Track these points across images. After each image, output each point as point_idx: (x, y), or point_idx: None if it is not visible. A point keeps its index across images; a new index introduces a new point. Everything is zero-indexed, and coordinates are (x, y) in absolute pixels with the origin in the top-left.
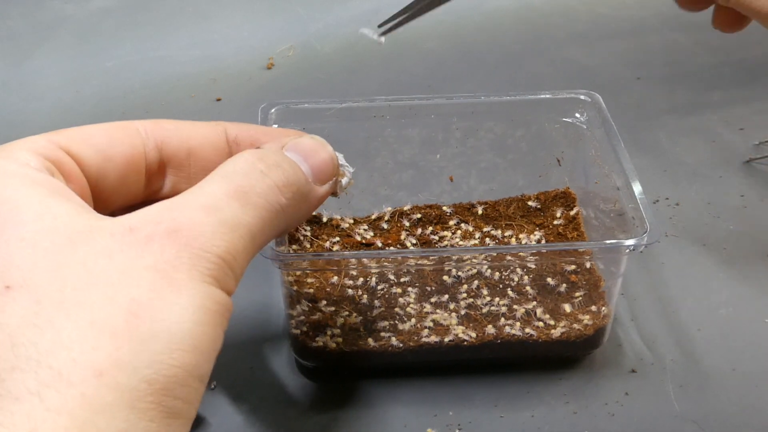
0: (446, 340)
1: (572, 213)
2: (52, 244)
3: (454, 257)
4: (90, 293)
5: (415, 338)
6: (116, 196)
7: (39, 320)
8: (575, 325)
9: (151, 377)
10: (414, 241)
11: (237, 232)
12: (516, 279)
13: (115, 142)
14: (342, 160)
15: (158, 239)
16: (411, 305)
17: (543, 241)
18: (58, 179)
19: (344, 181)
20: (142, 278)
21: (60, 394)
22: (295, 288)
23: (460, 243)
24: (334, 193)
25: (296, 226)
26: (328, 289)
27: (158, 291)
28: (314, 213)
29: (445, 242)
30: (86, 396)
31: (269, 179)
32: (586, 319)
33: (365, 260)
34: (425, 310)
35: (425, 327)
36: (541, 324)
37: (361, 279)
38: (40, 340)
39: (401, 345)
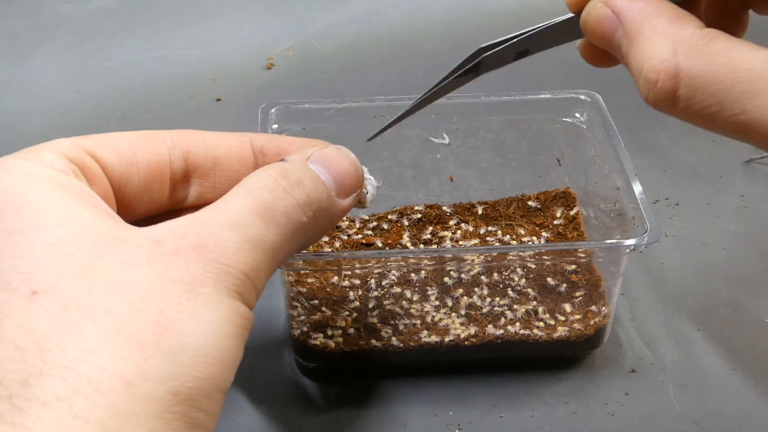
0: (446, 340)
1: (572, 213)
2: (78, 250)
3: (455, 257)
4: (117, 302)
5: (415, 338)
6: (140, 202)
7: (66, 326)
8: (575, 325)
9: (177, 389)
10: (414, 241)
11: (260, 248)
12: (516, 279)
13: (139, 148)
14: (366, 173)
15: (184, 253)
16: (411, 305)
17: (543, 241)
18: (82, 182)
19: (370, 192)
20: (170, 291)
21: (89, 402)
22: (295, 288)
23: (461, 243)
24: (361, 205)
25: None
26: (328, 289)
27: (185, 304)
28: None
29: (446, 242)
30: (114, 405)
31: (291, 197)
32: (586, 318)
33: (365, 260)
34: (425, 310)
35: (425, 327)
36: (541, 324)
37: (361, 279)
38: (68, 347)
39: (401, 345)
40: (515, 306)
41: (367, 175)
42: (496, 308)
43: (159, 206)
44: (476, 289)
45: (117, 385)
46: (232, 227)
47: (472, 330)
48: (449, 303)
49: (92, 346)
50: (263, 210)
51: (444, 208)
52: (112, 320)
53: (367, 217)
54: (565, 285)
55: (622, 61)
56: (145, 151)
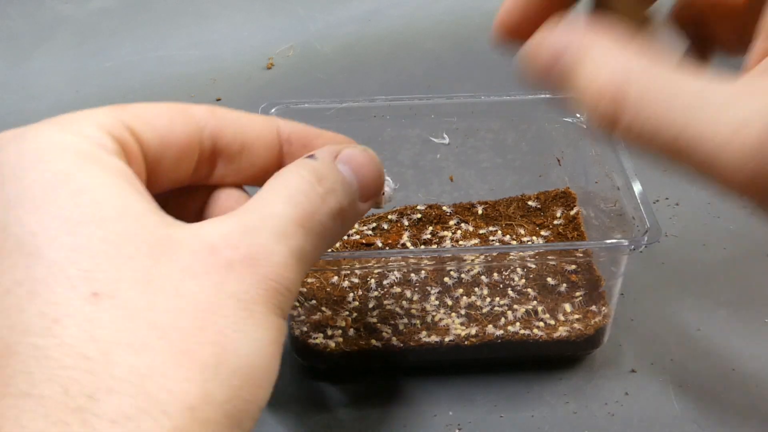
0: (446, 340)
1: (572, 213)
2: (137, 251)
3: (455, 257)
4: (181, 318)
5: (415, 338)
6: (164, 180)
7: (133, 339)
8: (575, 325)
9: (230, 411)
10: (414, 241)
11: (301, 261)
12: (516, 279)
13: (175, 127)
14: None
15: (238, 266)
16: (411, 305)
17: (543, 241)
18: (125, 164)
19: (387, 193)
20: (227, 308)
21: (156, 424)
22: None
23: (461, 243)
24: (377, 206)
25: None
26: (328, 289)
27: (241, 323)
28: None
29: (446, 242)
30: (179, 429)
31: (326, 205)
32: (586, 318)
33: (365, 260)
34: (425, 309)
35: (425, 327)
36: (541, 324)
37: (361, 279)
38: (137, 363)
39: (401, 345)
40: (515, 306)
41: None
42: (496, 308)
43: (180, 183)
44: (476, 289)
45: (182, 409)
46: (278, 239)
47: (472, 330)
48: (449, 303)
49: (159, 364)
50: (303, 220)
51: (444, 208)
52: (177, 337)
53: (366, 217)
54: (565, 285)
55: (565, 86)
56: (180, 131)
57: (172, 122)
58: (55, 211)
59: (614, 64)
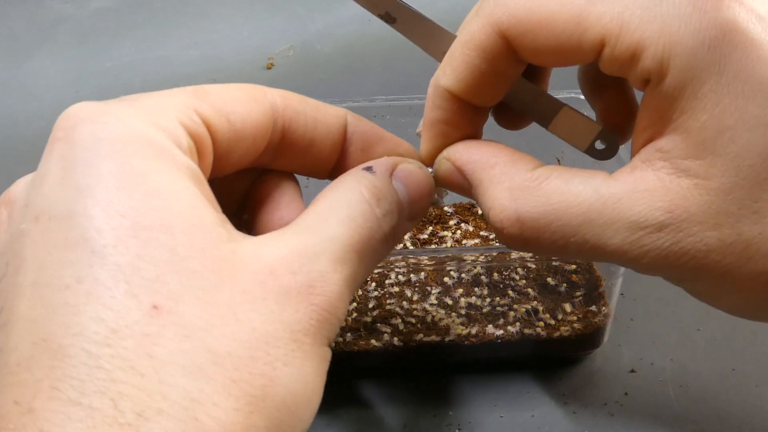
0: (446, 339)
1: None
2: (202, 267)
3: (455, 257)
4: (236, 345)
5: (415, 338)
6: (228, 167)
7: (188, 362)
8: (575, 325)
9: None
10: (414, 241)
11: (352, 288)
12: (516, 279)
13: (248, 119)
14: None
15: (294, 295)
16: (411, 305)
17: None
18: (196, 165)
19: (442, 196)
20: (280, 339)
21: None
22: None
23: (461, 243)
24: (435, 205)
25: None
26: None
27: (291, 356)
28: None
29: (446, 242)
30: None
31: (381, 230)
32: (586, 318)
33: None
34: (426, 309)
35: (425, 327)
36: (541, 324)
37: None
38: (190, 387)
39: (401, 345)
40: (515, 306)
41: None
42: (496, 308)
43: (241, 168)
44: (476, 289)
45: None
46: (335, 267)
47: (473, 330)
48: (449, 303)
49: (211, 391)
50: (360, 245)
51: (444, 208)
52: (231, 364)
53: None
54: (565, 285)
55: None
56: (254, 124)
57: (249, 114)
58: (126, 212)
59: (508, 187)
